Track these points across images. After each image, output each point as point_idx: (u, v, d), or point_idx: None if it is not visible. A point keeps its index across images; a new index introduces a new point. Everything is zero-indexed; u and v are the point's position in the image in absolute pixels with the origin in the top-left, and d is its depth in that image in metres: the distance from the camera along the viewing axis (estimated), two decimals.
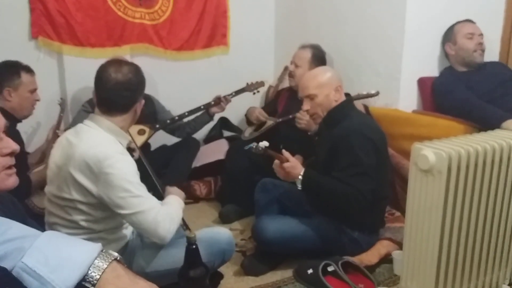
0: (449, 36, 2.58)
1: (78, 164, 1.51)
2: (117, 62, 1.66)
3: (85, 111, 2.71)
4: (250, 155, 2.02)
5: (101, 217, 1.59)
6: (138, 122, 1.80)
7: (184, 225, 1.80)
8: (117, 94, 1.60)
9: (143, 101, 1.71)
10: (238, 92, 2.95)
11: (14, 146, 1.01)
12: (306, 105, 2.15)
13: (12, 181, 1.01)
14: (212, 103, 2.87)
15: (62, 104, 2.80)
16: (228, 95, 2.90)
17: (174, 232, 1.61)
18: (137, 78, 1.65)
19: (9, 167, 1.01)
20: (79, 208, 1.56)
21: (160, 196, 1.77)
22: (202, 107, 2.89)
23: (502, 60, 2.74)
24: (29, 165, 2.39)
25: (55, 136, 2.40)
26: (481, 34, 2.53)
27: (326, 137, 2.12)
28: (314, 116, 2.16)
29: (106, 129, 1.60)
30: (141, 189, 1.57)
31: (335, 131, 2.04)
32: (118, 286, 0.74)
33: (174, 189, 1.87)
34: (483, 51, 2.52)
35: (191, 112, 2.88)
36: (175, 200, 1.75)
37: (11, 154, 1.01)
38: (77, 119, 2.61)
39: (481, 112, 2.29)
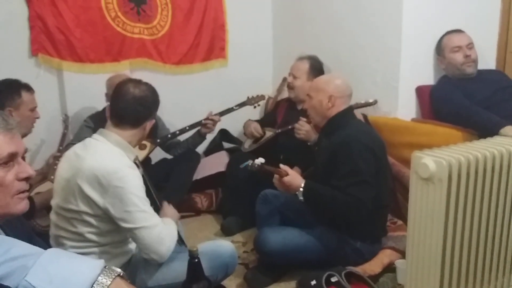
0: (438, 50, 2.59)
1: (86, 176, 1.53)
2: (137, 80, 1.75)
3: (87, 126, 2.73)
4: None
5: (107, 230, 1.60)
6: None
7: (180, 240, 1.82)
8: (131, 107, 1.65)
9: (153, 121, 1.76)
10: (239, 106, 2.97)
11: (31, 171, 1.03)
12: (306, 103, 2.25)
13: (23, 205, 1.03)
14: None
15: (66, 120, 2.82)
16: (228, 109, 2.91)
17: (171, 251, 1.63)
18: (153, 97, 1.73)
19: (23, 192, 1.03)
20: (86, 220, 1.57)
21: (159, 211, 1.80)
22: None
23: (498, 67, 2.75)
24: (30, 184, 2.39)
25: (55, 160, 2.40)
26: (470, 43, 2.51)
27: (325, 145, 2.13)
28: (310, 117, 2.26)
29: (114, 142, 1.63)
30: (147, 204, 1.59)
31: (334, 139, 2.05)
32: None
33: (170, 209, 1.91)
34: (473, 61, 2.51)
35: (192, 126, 2.89)
36: (171, 222, 1.77)
37: (27, 179, 1.03)
38: (80, 135, 2.63)
39: (479, 118, 2.29)
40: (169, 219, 1.80)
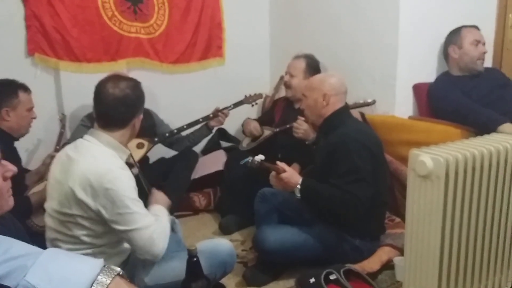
0: (455, 39, 2.56)
1: (78, 179, 1.51)
2: (116, 77, 1.67)
3: (84, 125, 2.72)
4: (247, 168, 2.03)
5: (102, 231, 1.59)
6: (137, 135, 1.81)
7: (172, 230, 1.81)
8: (114, 109, 1.61)
9: (141, 116, 1.72)
10: (236, 105, 2.97)
11: (14, 168, 1.02)
12: (302, 103, 2.27)
13: (11, 201, 1.03)
14: (211, 115, 2.88)
15: (63, 119, 2.81)
16: (227, 107, 2.92)
17: (165, 249, 1.62)
18: (135, 93, 1.66)
19: (10, 189, 1.03)
20: (80, 223, 1.56)
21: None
22: (200, 120, 2.90)
23: (495, 64, 2.76)
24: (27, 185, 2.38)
25: (52, 160, 2.40)
26: (485, 43, 2.54)
27: (322, 144, 2.13)
28: (306, 117, 2.26)
29: (106, 143, 1.61)
30: (139, 205, 1.58)
31: (331, 138, 2.06)
32: None
33: (160, 196, 1.87)
34: (484, 60, 2.53)
35: (189, 125, 2.89)
36: (163, 213, 1.76)
37: (11, 177, 1.02)
38: (76, 134, 2.62)
39: (478, 116, 2.30)
40: (160, 207, 1.78)
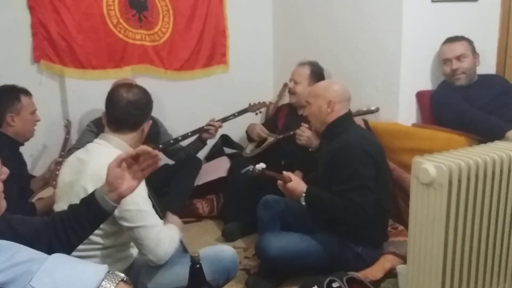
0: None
1: (90, 177, 1.54)
2: (128, 84, 1.77)
3: (90, 131, 2.74)
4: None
5: (110, 231, 1.60)
6: (142, 142, 1.84)
7: (183, 247, 1.84)
8: (127, 112, 1.67)
9: (150, 122, 1.79)
10: (240, 113, 2.98)
11: (7, 171, 1.04)
12: (305, 110, 2.24)
13: (5, 203, 1.04)
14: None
15: (68, 125, 2.83)
16: (231, 115, 2.93)
17: (170, 255, 1.63)
18: (146, 98, 1.75)
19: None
20: None
21: (159, 216, 1.80)
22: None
23: (498, 71, 2.76)
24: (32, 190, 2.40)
25: (57, 165, 2.41)
26: (461, 54, 2.48)
27: (325, 151, 2.14)
28: (310, 123, 2.26)
29: (116, 145, 1.65)
30: (148, 204, 1.60)
31: (334, 144, 2.06)
32: None
33: (174, 218, 1.92)
34: (463, 73, 2.49)
35: (194, 132, 2.91)
36: (174, 228, 1.78)
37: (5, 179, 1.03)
38: (83, 139, 2.64)
39: (483, 123, 2.29)
40: (173, 225, 1.81)
